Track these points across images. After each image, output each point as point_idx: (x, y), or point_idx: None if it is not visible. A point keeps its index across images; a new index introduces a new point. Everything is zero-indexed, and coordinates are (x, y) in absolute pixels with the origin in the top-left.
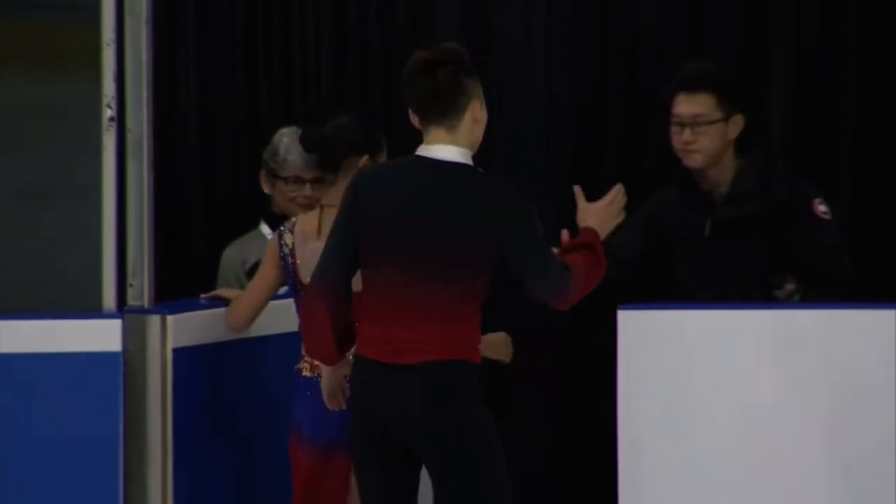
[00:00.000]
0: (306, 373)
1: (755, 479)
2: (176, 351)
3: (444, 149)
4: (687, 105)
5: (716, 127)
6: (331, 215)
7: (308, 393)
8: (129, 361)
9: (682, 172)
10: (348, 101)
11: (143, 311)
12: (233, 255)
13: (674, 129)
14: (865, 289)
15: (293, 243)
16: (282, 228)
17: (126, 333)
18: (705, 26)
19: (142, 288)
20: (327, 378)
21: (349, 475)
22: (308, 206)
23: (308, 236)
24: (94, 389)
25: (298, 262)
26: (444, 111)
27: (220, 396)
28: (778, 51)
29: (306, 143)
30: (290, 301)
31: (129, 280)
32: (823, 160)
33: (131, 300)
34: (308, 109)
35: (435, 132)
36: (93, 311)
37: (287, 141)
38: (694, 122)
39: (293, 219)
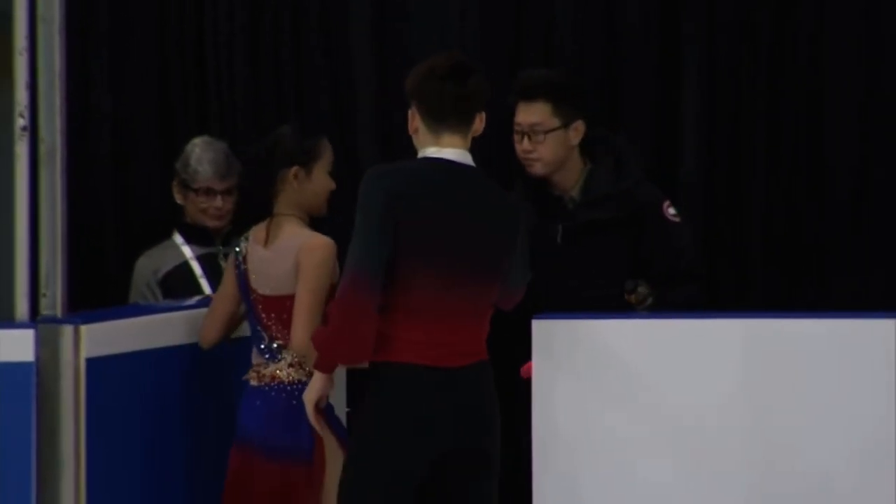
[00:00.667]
0: (254, 382)
1: (670, 488)
2: (90, 361)
3: (458, 152)
4: (525, 114)
5: (555, 135)
6: (282, 223)
7: (258, 402)
8: (42, 371)
9: (531, 178)
10: (262, 111)
11: (56, 320)
12: (146, 265)
13: (515, 137)
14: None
15: (247, 250)
16: (243, 237)
17: (39, 343)
18: (619, 29)
19: (55, 298)
20: (322, 386)
21: (315, 483)
22: (219, 217)
23: (258, 243)
24: (6, 399)
25: (248, 267)
26: (466, 119)
27: (137, 406)
28: (691, 49)
29: (246, 159)
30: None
31: (42, 290)
32: (736, 158)
33: (44, 310)
34: (222, 119)
35: (449, 137)
36: (5, 321)
37: (199, 152)
38: (532, 131)
39: (254, 227)
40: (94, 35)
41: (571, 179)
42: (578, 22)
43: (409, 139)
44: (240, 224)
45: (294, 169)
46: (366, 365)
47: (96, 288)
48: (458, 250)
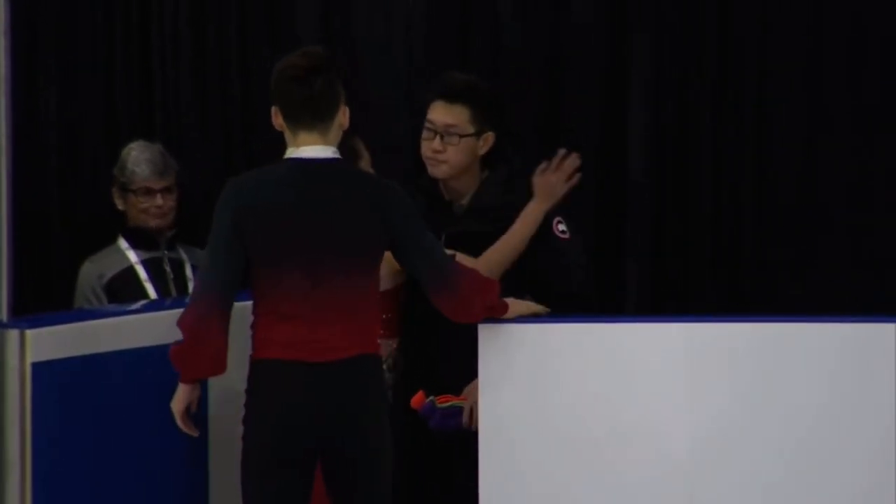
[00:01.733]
0: None
1: (620, 491)
2: (35, 365)
3: (316, 148)
4: (443, 114)
5: (467, 141)
6: None
7: None
8: None
9: (426, 179)
10: (208, 115)
11: (1, 325)
12: (90, 270)
13: (425, 134)
14: (725, 283)
15: None
16: None
17: None
18: (566, 27)
19: (0, 302)
20: (185, 396)
21: None
22: (160, 216)
23: None
24: None
25: None
26: (320, 118)
27: (83, 411)
28: (638, 38)
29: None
30: (168, 313)
31: None
32: (684, 158)
33: None
34: (168, 122)
35: (306, 136)
36: None
37: (135, 154)
38: (446, 132)
39: None
40: (40, 37)
41: (466, 188)
42: (526, 20)
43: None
44: (183, 227)
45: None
46: None
47: (42, 292)
48: (319, 248)
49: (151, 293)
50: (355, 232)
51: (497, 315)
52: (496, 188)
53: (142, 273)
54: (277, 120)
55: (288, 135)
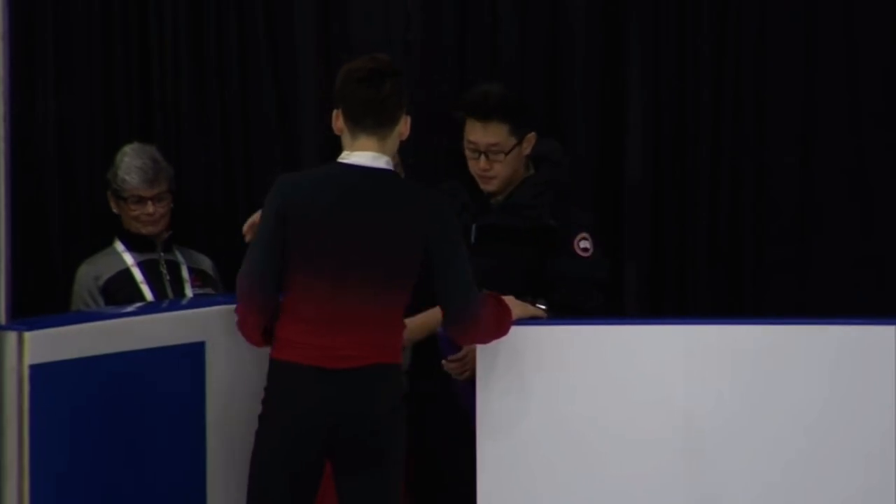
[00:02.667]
0: None
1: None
2: (33, 367)
3: (369, 155)
4: (482, 134)
5: (513, 153)
6: None
7: None
8: None
9: (468, 173)
10: (207, 117)
11: None
12: (87, 272)
13: (469, 154)
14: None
15: None
16: None
17: None
18: (564, 29)
19: None
20: None
21: None
22: (152, 223)
23: None
24: None
25: None
26: (382, 122)
27: (81, 413)
28: (635, 41)
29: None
30: (165, 315)
31: None
32: (682, 161)
33: None
34: (166, 126)
35: (365, 141)
36: None
37: (127, 160)
38: (490, 151)
39: None
40: (39, 41)
41: (509, 185)
42: (523, 24)
43: None
44: (180, 229)
45: None
46: None
47: (41, 294)
48: (349, 256)
49: (148, 295)
50: (390, 247)
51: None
52: (532, 189)
53: (138, 275)
54: (338, 123)
55: (346, 138)
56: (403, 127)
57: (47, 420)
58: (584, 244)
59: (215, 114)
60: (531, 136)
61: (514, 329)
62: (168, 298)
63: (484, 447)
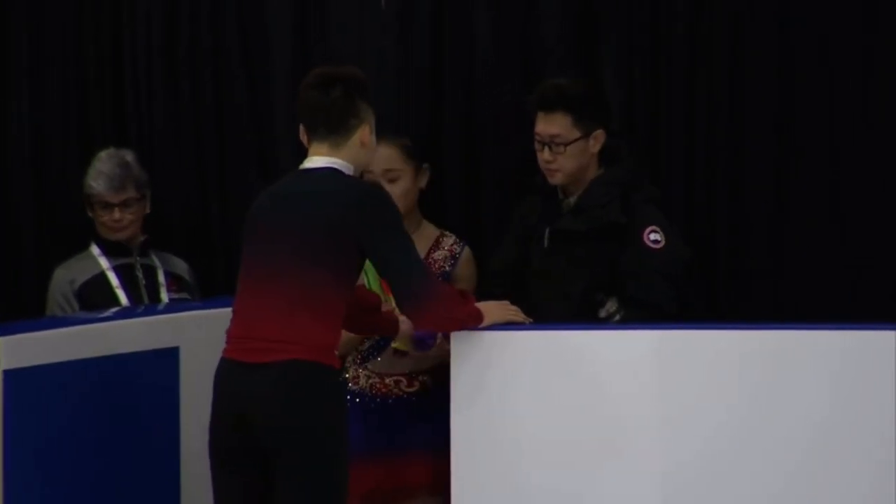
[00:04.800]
0: None
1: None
2: (7, 372)
3: (320, 159)
4: (545, 125)
5: (575, 146)
6: None
7: None
8: None
9: (542, 176)
10: (181, 122)
11: None
12: (62, 276)
13: (536, 146)
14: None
15: None
16: None
17: None
18: (536, 42)
19: None
20: None
21: None
22: (119, 230)
23: None
24: None
25: None
26: (332, 129)
27: (55, 418)
28: (607, 50)
29: None
30: (140, 320)
31: None
32: (657, 161)
33: None
34: (140, 131)
35: (317, 147)
36: None
37: (97, 166)
38: (552, 142)
39: None
40: (12, 44)
41: (579, 186)
42: (497, 26)
43: None
44: (156, 233)
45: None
46: None
47: (14, 299)
48: (269, 251)
49: (123, 300)
50: (318, 233)
51: (473, 325)
52: (600, 188)
53: (113, 279)
54: (303, 136)
55: (308, 148)
56: (363, 136)
57: (21, 425)
58: (654, 236)
59: (189, 120)
60: (599, 134)
61: (486, 335)
62: (143, 303)
63: (458, 454)
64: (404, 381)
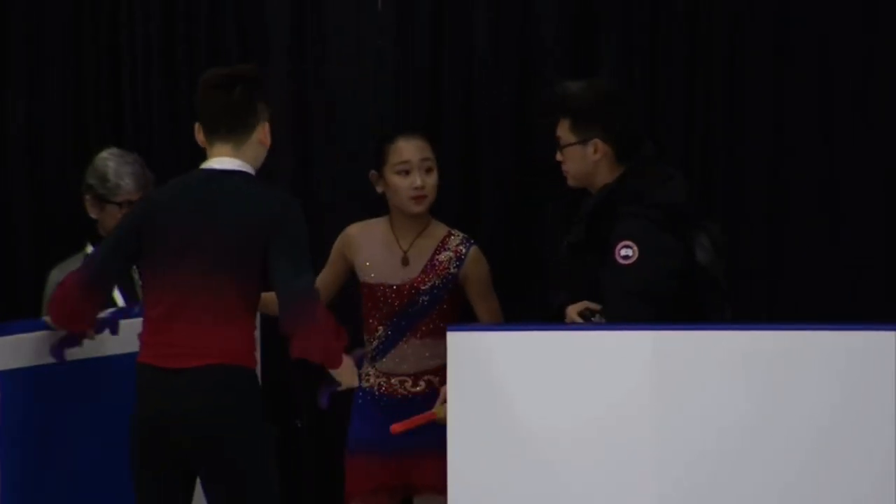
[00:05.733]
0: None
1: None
2: (2, 374)
3: (226, 160)
4: (557, 128)
5: (570, 151)
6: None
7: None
8: None
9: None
10: (178, 121)
11: None
12: (57, 277)
13: None
14: None
15: None
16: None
17: None
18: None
19: None
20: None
21: None
22: None
23: None
24: None
25: None
26: (233, 128)
27: (46, 419)
28: (605, 54)
29: None
30: (131, 321)
31: None
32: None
33: None
34: (137, 130)
35: (220, 147)
36: None
37: (114, 165)
38: (558, 145)
39: None
40: (11, 43)
41: (587, 185)
42: (495, 27)
43: (317, 145)
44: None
45: (371, 173)
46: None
47: (10, 300)
48: (183, 254)
49: (119, 301)
50: (226, 237)
51: (328, 364)
52: (601, 196)
53: None
54: (200, 136)
55: (207, 149)
56: (262, 134)
57: (13, 427)
58: (626, 252)
59: (187, 120)
60: (597, 143)
61: (483, 335)
62: (140, 304)
63: (454, 454)
64: (409, 381)
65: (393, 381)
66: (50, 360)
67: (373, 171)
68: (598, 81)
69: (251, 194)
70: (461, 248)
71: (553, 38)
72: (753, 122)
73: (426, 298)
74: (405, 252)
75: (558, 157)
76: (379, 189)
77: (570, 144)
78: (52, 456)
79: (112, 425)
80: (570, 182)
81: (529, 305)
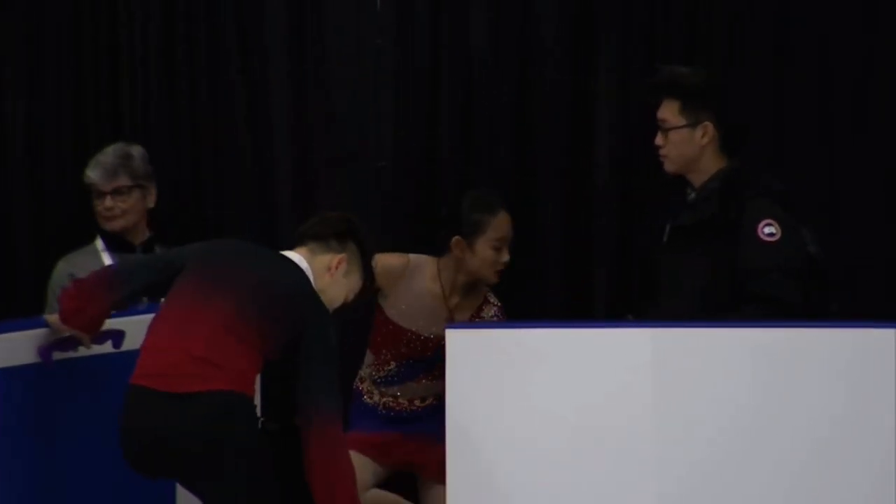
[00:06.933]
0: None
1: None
2: (1, 371)
3: (297, 256)
4: (660, 110)
5: (678, 133)
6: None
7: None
8: None
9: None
10: (177, 120)
11: None
12: (63, 268)
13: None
14: None
15: None
16: None
17: None
18: (535, 31)
19: None
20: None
21: None
22: (109, 219)
23: None
24: None
25: None
26: (314, 238)
27: (55, 416)
28: (604, 51)
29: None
30: (138, 318)
31: None
32: (651, 161)
33: None
34: (136, 130)
35: (299, 248)
36: None
37: (98, 157)
38: (661, 126)
39: None
40: (10, 42)
41: (699, 181)
42: (494, 26)
43: (317, 145)
44: (160, 230)
45: (456, 238)
46: None
47: (9, 297)
48: (219, 276)
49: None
50: (264, 291)
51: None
52: (712, 183)
53: None
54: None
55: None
56: (335, 262)
57: (16, 423)
58: (768, 230)
59: (185, 119)
60: (708, 126)
61: (482, 332)
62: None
63: (453, 452)
64: (417, 400)
65: (401, 400)
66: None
67: (458, 238)
68: (699, 69)
69: (303, 284)
70: (494, 318)
71: (553, 38)
72: (753, 122)
73: None
74: (451, 311)
75: (658, 139)
76: (456, 252)
77: (678, 127)
78: (50, 453)
79: (111, 423)
80: (668, 167)
81: (528, 304)
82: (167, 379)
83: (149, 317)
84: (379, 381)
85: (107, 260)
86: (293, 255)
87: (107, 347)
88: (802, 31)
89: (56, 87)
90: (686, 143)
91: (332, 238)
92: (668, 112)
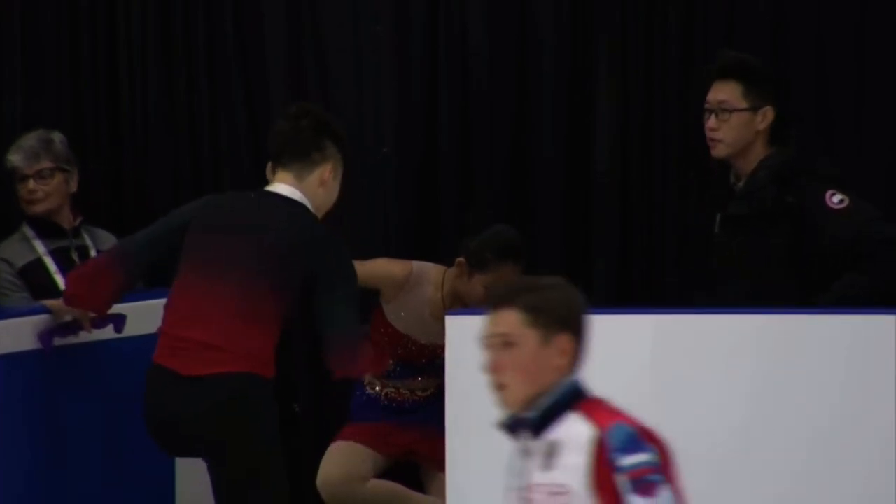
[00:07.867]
0: None
1: None
2: (1, 357)
3: (287, 188)
4: (715, 91)
5: (739, 116)
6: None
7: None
8: None
9: (716, 160)
10: (175, 116)
11: None
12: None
13: (705, 115)
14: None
15: None
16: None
17: None
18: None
19: None
20: None
21: None
22: (32, 202)
23: None
24: None
25: None
26: (295, 157)
27: (54, 403)
28: (603, 47)
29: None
30: (132, 305)
31: None
32: (649, 152)
33: None
34: (134, 126)
35: (282, 175)
36: None
37: (18, 141)
38: (719, 109)
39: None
40: (7, 38)
41: (747, 168)
42: (492, 16)
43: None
44: (90, 214)
45: (460, 259)
46: None
47: None
48: (224, 254)
49: (61, 284)
50: (271, 249)
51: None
52: (767, 170)
53: (51, 265)
54: (269, 169)
55: (271, 179)
56: (326, 175)
57: (15, 410)
58: (836, 197)
59: (183, 113)
60: (768, 111)
61: (481, 317)
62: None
63: (452, 437)
64: (419, 390)
65: (403, 391)
66: (31, 346)
67: (462, 261)
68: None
69: (308, 224)
70: None
71: (552, 38)
72: None
73: None
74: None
75: (712, 122)
76: (455, 271)
77: (740, 110)
78: (52, 440)
79: (113, 409)
80: (721, 151)
81: None
82: (181, 360)
83: (148, 302)
84: (384, 377)
85: (41, 249)
86: (283, 189)
87: (107, 334)
88: (801, 31)
89: (55, 86)
90: (745, 127)
91: (314, 151)
92: (731, 94)
